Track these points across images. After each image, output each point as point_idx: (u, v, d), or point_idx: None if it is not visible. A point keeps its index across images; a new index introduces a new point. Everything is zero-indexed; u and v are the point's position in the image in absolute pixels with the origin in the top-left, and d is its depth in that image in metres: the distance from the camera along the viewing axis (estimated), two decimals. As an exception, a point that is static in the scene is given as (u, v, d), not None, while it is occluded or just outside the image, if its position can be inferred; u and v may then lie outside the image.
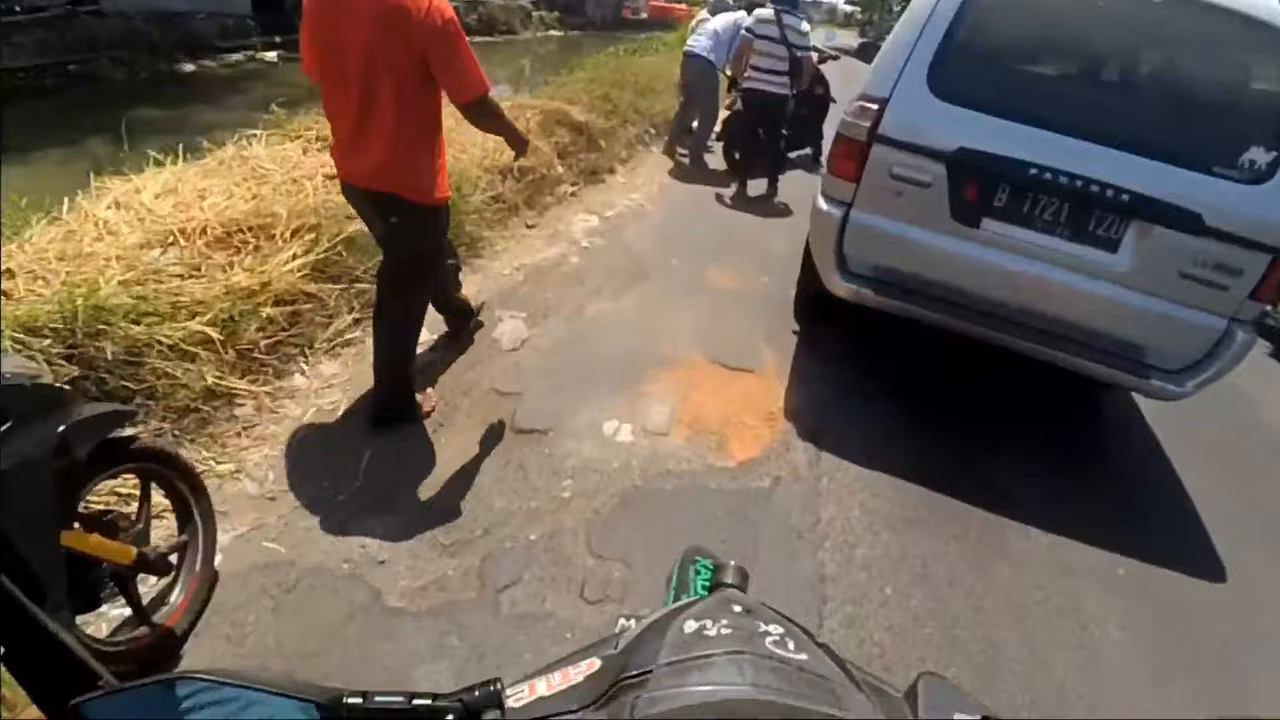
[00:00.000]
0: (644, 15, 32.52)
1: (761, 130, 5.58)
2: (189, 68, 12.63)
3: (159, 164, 3.37)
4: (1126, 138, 2.48)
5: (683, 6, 32.68)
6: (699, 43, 6.00)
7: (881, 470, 2.68)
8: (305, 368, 2.71)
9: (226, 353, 2.47)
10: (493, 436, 2.54)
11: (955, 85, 2.53)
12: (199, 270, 2.65)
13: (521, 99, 5.74)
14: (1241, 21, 2.42)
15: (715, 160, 6.56)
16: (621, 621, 0.69)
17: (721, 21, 6.04)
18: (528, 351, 3.06)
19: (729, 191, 5.86)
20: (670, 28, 21.82)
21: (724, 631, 0.50)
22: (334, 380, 2.69)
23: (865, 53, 6.58)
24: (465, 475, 2.35)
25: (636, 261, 4.12)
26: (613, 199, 5.15)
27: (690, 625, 0.51)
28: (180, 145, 3.65)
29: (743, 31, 5.36)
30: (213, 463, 2.27)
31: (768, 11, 5.24)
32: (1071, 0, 2.54)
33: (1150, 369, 2.70)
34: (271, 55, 14.20)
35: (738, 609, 0.55)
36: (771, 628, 0.51)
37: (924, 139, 2.56)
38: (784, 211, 5.66)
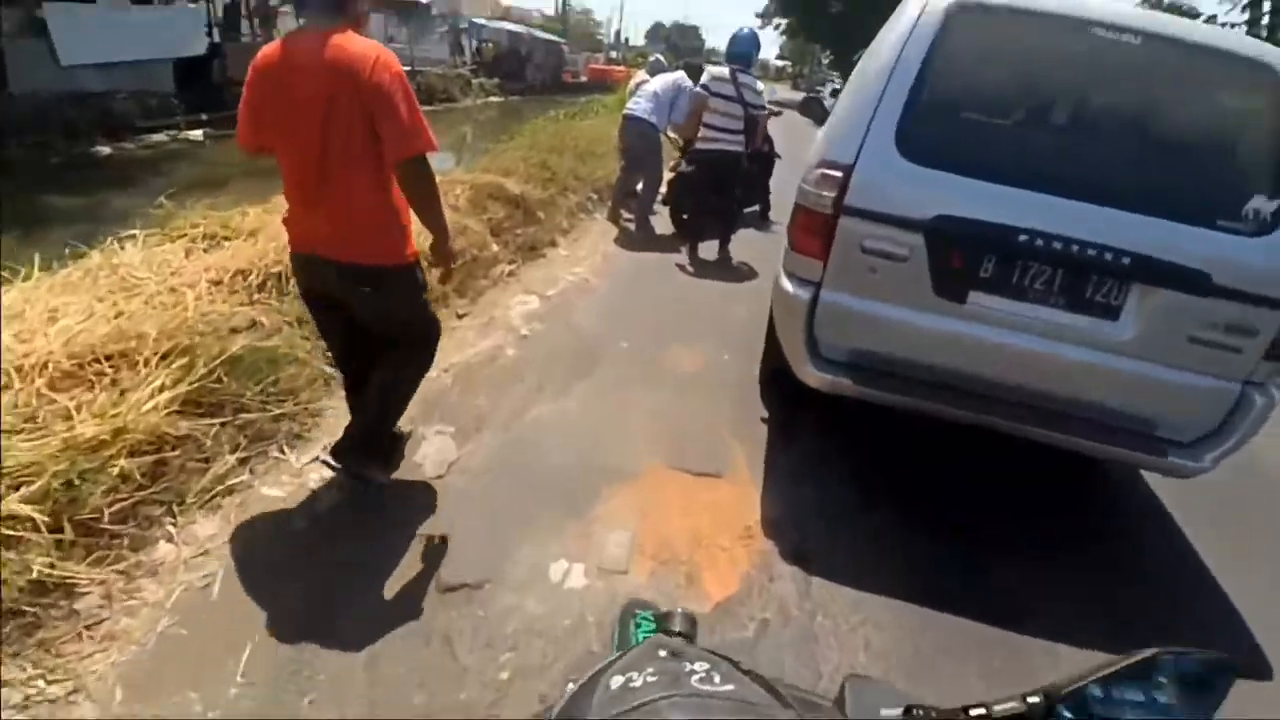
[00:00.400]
0: (583, 78, 33.27)
1: (715, 190, 5.37)
2: (106, 150, 12.02)
3: (8, 280, 2.86)
4: (1121, 194, 2.22)
5: (621, 68, 33.60)
6: (639, 105, 5.81)
7: (881, 593, 2.25)
8: (173, 531, 2.17)
9: (62, 530, 1.94)
10: (410, 605, 2.04)
11: (928, 145, 2.23)
12: (33, 421, 2.13)
13: (453, 174, 5.37)
14: (1229, 61, 2.20)
15: (661, 224, 6.29)
16: (569, 686, 0.60)
17: (660, 83, 5.89)
18: (456, 477, 2.58)
19: (679, 257, 5.57)
20: (609, 90, 22.20)
21: (649, 680, 0.51)
22: (210, 544, 2.16)
23: (808, 107, 6.52)
24: (374, 668, 1.84)
25: (583, 347, 3.71)
26: (555, 275, 4.77)
27: (616, 680, 0.52)
28: (66, 248, 3.18)
29: (696, 89, 5.20)
30: (41, 683, 1.71)
31: (723, 70, 5.13)
32: (1049, 43, 2.28)
33: (1164, 443, 2.41)
34: (197, 134, 13.70)
35: (663, 654, 0.57)
36: (697, 665, 0.53)
37: (897, 208, 2.25)
38: (740, 274, 5.39)
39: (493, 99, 24.68)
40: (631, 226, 6.23)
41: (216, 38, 15.64)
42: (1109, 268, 2.22)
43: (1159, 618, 2.34)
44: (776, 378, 3.36)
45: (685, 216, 6.06)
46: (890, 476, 2.87)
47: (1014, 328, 2.34)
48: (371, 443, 2.32)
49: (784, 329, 2.54)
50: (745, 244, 5.91)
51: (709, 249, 5.66)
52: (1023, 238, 2.20)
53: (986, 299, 2.32)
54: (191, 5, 14.89)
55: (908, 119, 2.21)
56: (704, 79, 5.16)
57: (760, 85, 5.25)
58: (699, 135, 5.18)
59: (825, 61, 40.49)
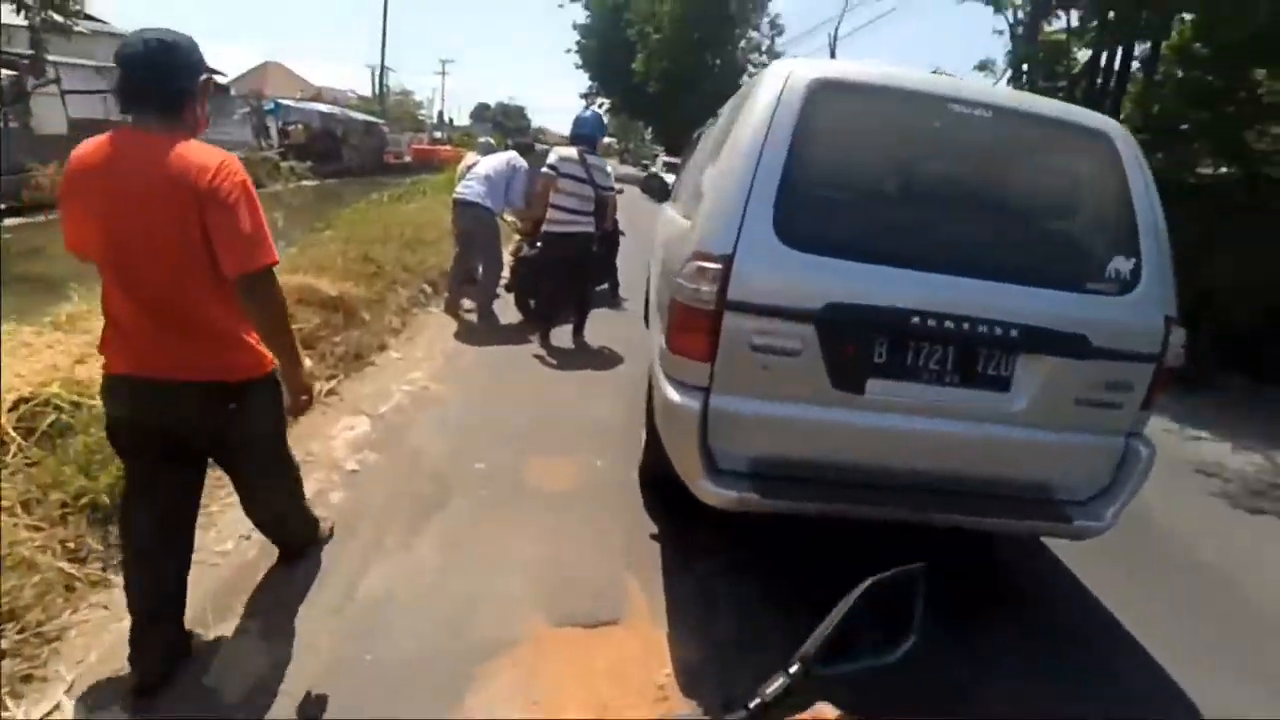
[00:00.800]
0: (407, 158, 32.44)
1: (567, 273, 5.10)
2: None
3: None
4: (996, 266, 2.18)
5: (447, 148, 33.20)
6: (470, 188, 5.41)
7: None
8: None
9: None
10: None
11: (806, 229, 2.02)
12: None
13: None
14: (1074, 131, 2.24)
15: (505, 312, 5.83)
16: None
17: (492, 164, 5.54)
18: (267, 701, 1.87)
19: (531, 346, 5.13)
20: (436, 169, 21.64)
21: None
22: None
23: (649, 184, 6.49)
24: None
25: (430, 475, 3.09)
26: (387, 387, 4.09)
27: None
28: None
29: (544, 169, 4.91)
30: None
31: (571, 151, 4.91)
32: (910, 120, 2.20)
33: (1064, 507, 2.36)
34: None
35: None
36: None
37: (784, 299, 2.00)
38: (601, 359, 5.06)
39: (306, 182, 23.02)
40: (473, 318, 5.71)
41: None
42: (996, 340, 2.16)
43: (1101, 689, 2.24)
44: (658, 481, 3.00)
45: (533, 302, 5.67)
46: (802, 584, 2.53)
47: (913, 411, 2.19)
48: (299, 530, 2.34)
49: (673, 442, 2.17)
50: (600, 324, 5.62)
51: (562, 335, 5.29)
52: (915, 319, 2.05)
53: (884, 385, 2.13)
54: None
55: (783, 202, 1.99)
56: (551, 159, 4.91)
57: (609, 166, 5.10)
58: (548, 217, 4.88)
59: (648, 137, 42.99)
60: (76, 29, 15.47)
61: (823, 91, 2.09)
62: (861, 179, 2.16)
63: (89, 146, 1.71)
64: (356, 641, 2.10)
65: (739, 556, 2.67)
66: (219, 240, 1.67)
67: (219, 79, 26.24)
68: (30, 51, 15.47)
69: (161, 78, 1.69)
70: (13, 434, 2.18)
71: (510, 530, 2.73)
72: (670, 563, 2.64)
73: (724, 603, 2.44)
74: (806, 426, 2.11)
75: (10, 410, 2.23)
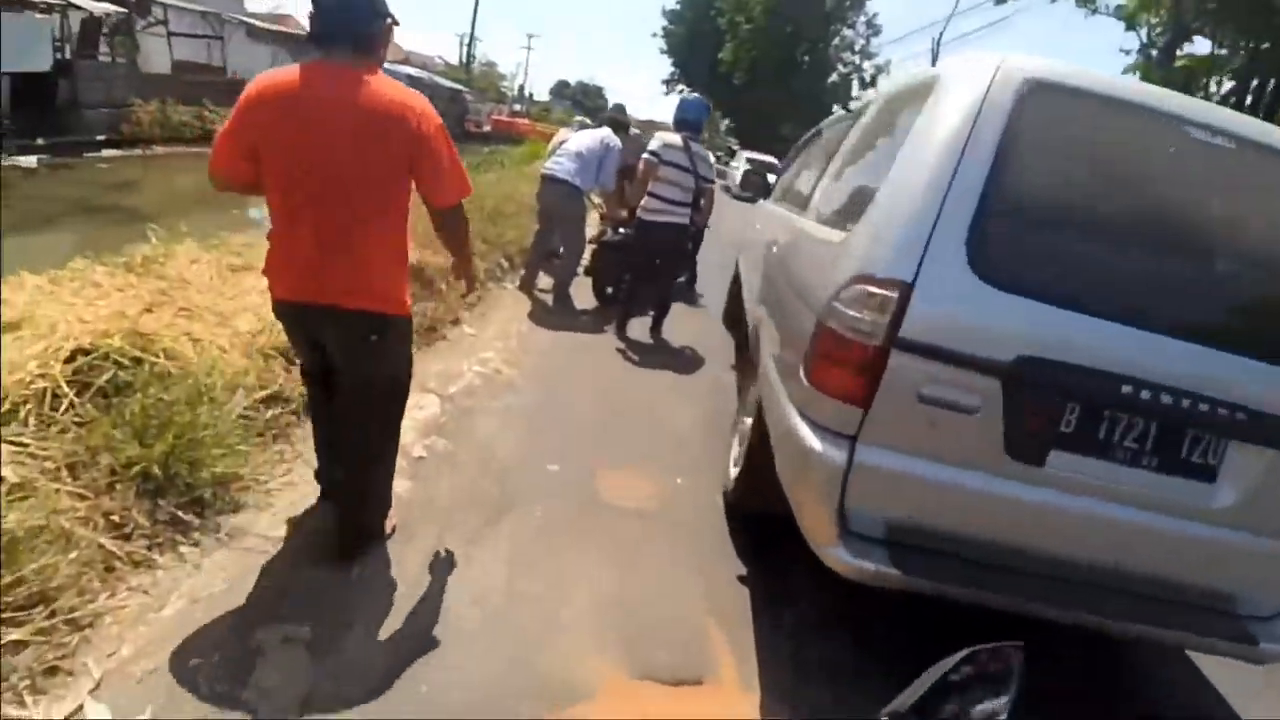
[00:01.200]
0: (487, 128, 32.58)
1: (654, 265, 4.80)
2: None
3: None
4: (1224, 331, 1.75)
5: (525, 121, 33.22)
6: (560, 165, 5.09)
7: None
8: None
9: None
10: None
11: (1007, 263, 1.64)
12: None
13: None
14: None
15: (580, 297, 5.55)
16: None
17: (586, 141, 5.22)
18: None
19: (607, 338, 4.85)
20: (514, 141, 21.60)
21: None
22: None
23: (749, 181, 6.11)
24: None
25: (497, 475, 2.83)
26: (459, 365, 3.85)
27: None
28: None
29: (646, 155, 4.59)
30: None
31: (675, 138, 4.57)
32: (1139, 142, 1.78)
33: (1247, 623, 1.92)
34: (29, 160, 11.68)
35: None
36: None
37: (971, 345, 1.62)
38: (681, 360, 4.75)
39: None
40: (548, 299, 5.45)
41: (68, 54, 13.66)
42: (1212, 422, 1.73)
43: None
44: (749, 515, 2.69)
45: (610, 290, 5.38)
46: (907, 647, 2.18)
47: (1097, 494, 1.78)
48: (373, 521, 2.21)
49: (803, 496, 1.83)
50: (677, 320, 5.28)
51: (637, 328, 4.99)
52: (1125, 388, 1.63)
53: (1068, 460, 1.73)
54: (40, 16, 12.89)
55: (981, 226, 1.61)
56: (654, 145, 4.58)
57: (711, 156, 4.74)
58: (643, 204, 4.56)
59: (723, 128, 42.18)
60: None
61: (1040, 94, 1.69)
62: (1076, 208, 1.75)
63: (278, 77, 1.79)
64: (409, 668, 1.84)
65: (837, 607, 2.31)
66: (429, 177, 1.88)
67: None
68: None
69: (356, 20, 1.81)
70: (65, 388, 2.00)
71: (582, 552, 2.44)
72: (760, 612, 2.31)
73: (820, 665, 2.10)
74: (966, 497, 1.74)
75: (66, 362, 2.04)
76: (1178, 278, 1.78)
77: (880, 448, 1.70)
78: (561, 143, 5.54)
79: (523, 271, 5.68)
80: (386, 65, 2.00)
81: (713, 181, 4.74)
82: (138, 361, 2.20)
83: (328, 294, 1.85)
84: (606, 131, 5.42)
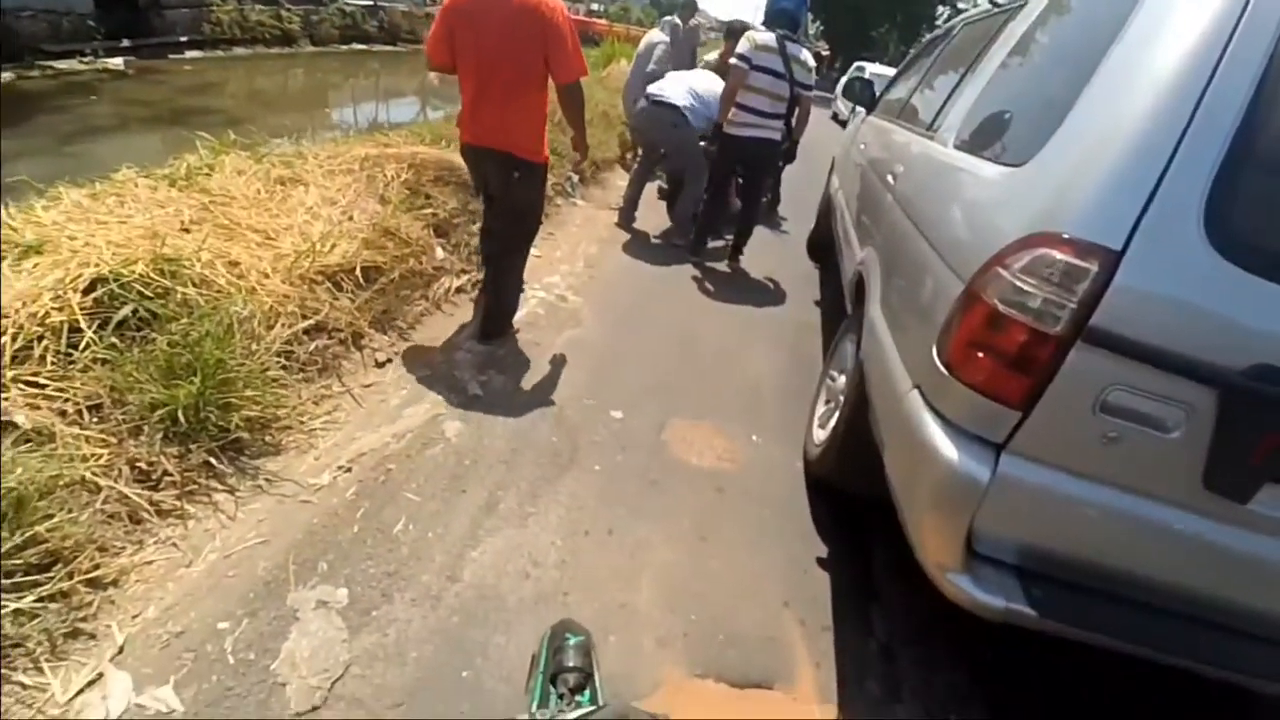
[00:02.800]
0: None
1: (741, 184, 4.37)
2: (4, 76, 10.16)
3: None
4: None
5: (603, 21, 31.36)
6: (672, 91, 4.52)
7: None
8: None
9: None
10: None
11: (1262, 235, 1.16)
12: None
13: (391, 140, 4.05)
14: None
15: (648, 216, 5.12)
16: None
17: (703, 81, 4.63)
18: (345, 686, 1.48)
19: (681, 267, 4.45)
20: (594, 43, 20.40)
21: None
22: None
23: (852, 90, 5.29)
24: None
25: (556, 421, 2.58)
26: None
27: None
28: None
29: (735, 60, 3.99)
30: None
31: (768, 38, 3.93)
32: None
33: None
34: (117, 62, 11.82)
35: None
36: None
37: (1191, 343, 1.17)
38: (761, 293, 4.33)
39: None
40: (666, 240, 4.98)
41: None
42: None
43: None
44: (828, 485, 2.37)
45: (696, 214, 4.92)
46: (1027, 668, 1.87)
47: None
48: (505, 313, 3.04)
49: (921, 506, 1.46)
50: (757, 248, 4.81)
51: (714, 254, 4.57)
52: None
53: (1278, 496, 1.29)
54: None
55: (1231, 179, 1.12)
56: (743, 48, 3.94)
57: (810, 59, 4.07)
58: (730, 116, 4.00)
59: (814, 31, 38.80)
60: None
61: None
62: None
63: None
64: (453, 649, 1.66)
65: (933, 610, 1.99)
66: (554, 58, 2.51)
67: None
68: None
69: None
70: (83, 322, 1.81)
71: (647, 519, 2.19)
72: (841, 606, 2.02)
73: (914, 686, 1.81)
74: (1134, 531, 1.33)
75: (85, 292, 1.85)
76: None
77: (1034, 463, 1.31)
78: (653, 47, 4.96)
79: (620, 206, 5.23)
80: None
81: (811, 87, 4.08)
82: (165, 293, 1.99)
83: (488, 140, 2.65)
84: (714, 79, 4.72)
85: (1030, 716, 1.78)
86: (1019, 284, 1.22)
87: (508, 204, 2.79)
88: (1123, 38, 1.31)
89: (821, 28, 34.17)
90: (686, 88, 4.57)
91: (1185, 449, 1.24)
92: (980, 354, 1.29)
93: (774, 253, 5.17)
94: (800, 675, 1.78)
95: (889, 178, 2.56)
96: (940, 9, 30.21)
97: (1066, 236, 1.18)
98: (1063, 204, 1.23)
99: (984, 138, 1.82)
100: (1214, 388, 1.17)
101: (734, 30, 5.03)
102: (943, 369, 1.38)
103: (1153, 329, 1.16)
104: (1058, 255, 1.18)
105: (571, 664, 0.65)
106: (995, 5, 2.73)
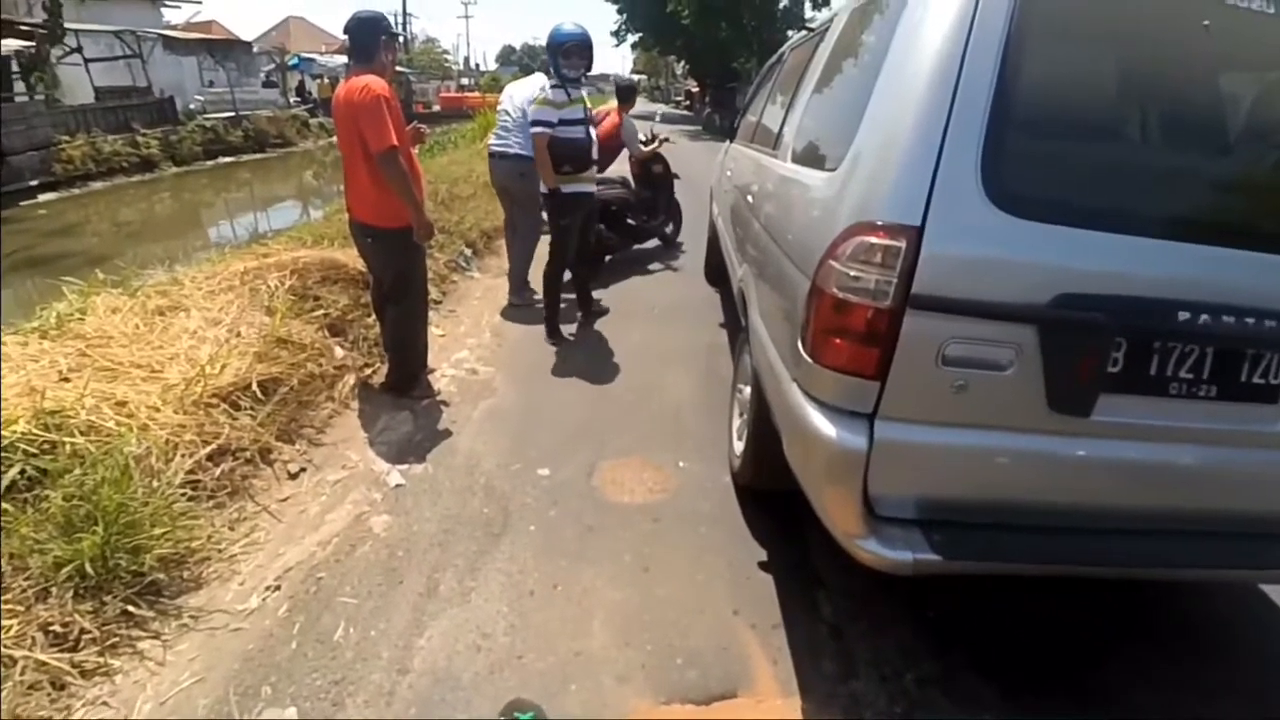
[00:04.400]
0: (436, 107, 31.56)
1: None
2: None
3: None
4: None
5: (476, 95, 32.06)
6: (503, 138, 4.43)
7: None
8: None
9: None
10: None
11: (1031, 184, 1.37)
12: None
13: (270, 250, 4.02)
14: None
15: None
16: None
17: (523, 95, 4.41)
18: None
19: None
20: (467, 118, 20.78)
21: None
22: None
23: (711, 125, 5.64)
24: None
25: (484, 492, 2.59)
26: (431, 371, 3.59)
27: None
28: None
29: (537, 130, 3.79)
30: None
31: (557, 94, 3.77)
32: (1164, 17, 1.47)
33: None
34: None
35: None
36: None
37: (996, 289, 1.36)
38: (660, 322, 4.43)
39: (335, 138, 22.56)
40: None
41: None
42: (1274, 338, 1.47)
43: None
44: (761, 493, 2.47)
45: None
46: (955, 623, 2.00)
47: (1152, 438, 1.54)
48: (403, 371, 3.27)
49: (821, 488, 1.58)
50: (660, 276, 4.99)
51: (627, 300, 4.71)
52: (1182, 315, 1.38)
53: (1117, 404, 1.48)
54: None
55: (996, 144, 1.33)
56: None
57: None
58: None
59: (680, 72, 40.83)
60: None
61: None
62: (1107, 105, 1.48)
63: (342, 84, 2.91)
64: (413, 733, 1.64)
65: (869, 584, 2.11)
66: (365, 133, 2.74)
67: (244, 38, 25.65)
68: (45, 19, 15.01)
69: (359, 37, 2.85)
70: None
71: (589, 565, 2.23)
72: (789, 601, 2.11)
73: (867, 657, 1.91)
74: (1007, 463, 1.51)
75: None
76: (1228, 177, 1.51)
77: (903, 423, 1.46)
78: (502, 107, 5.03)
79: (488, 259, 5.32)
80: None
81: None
82: (52, 445, 1.92)
83: (353, 211, 3.02)
84: (540, 77, 4.38)
85: (978, 664, 1.90)
86: (850, 271, 1.39)
87: (374, 265, 3.17)
88: (891, 48, 1.53)
89: (687, 66, 36.02)
90: (513, 120, 4.37)
91: (1025, 382, 1.42)
92: (834, 338, 1.45)
93: (677, 281, 5.38)
94: (759, 676, 1.85)
95: (748, 197, 2.77)
96: (790, 34, 32.50)
97: (879, 223, 1.36)
98: (870, 196, 1.42)
99: (810, 148, 2.03)
100: (1030, 324, 1.36)
101: (622, 89, 5.33)
102: (808, 358, 1.52)
103: (965, 285, 1.35)
104: (874, 240, 1.36)
105: None
106: (808, 29, 3.04)
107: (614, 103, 5.58)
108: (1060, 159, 1.43)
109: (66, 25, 15.66)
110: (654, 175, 5.86)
